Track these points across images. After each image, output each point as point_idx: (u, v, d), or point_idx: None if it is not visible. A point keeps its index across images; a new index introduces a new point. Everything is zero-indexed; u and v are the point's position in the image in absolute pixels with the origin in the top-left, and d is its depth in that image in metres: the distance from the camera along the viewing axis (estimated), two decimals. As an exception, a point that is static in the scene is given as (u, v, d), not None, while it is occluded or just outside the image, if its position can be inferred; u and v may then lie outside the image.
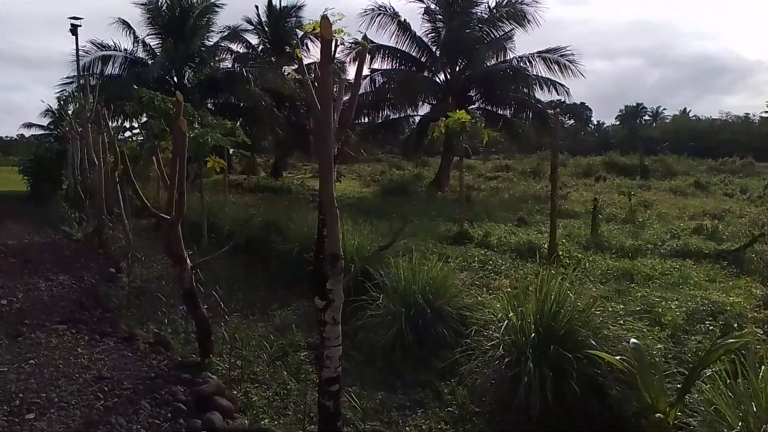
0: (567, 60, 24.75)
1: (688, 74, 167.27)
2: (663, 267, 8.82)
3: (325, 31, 3.34)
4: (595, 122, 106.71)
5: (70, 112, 22.65)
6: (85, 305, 7.57)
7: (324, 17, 3.38)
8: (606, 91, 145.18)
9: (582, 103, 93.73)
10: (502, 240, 10.97)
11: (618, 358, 3.91)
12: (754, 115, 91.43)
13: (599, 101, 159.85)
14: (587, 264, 8.96)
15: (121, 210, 8.72)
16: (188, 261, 5.09)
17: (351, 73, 29.68)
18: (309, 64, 35.05)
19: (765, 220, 13.38)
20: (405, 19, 26.05)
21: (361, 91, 27.64)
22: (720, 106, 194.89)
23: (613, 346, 4.67)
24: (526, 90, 25.48)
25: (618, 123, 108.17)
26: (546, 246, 10.07)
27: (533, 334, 4.58)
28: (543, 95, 26.87)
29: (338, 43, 3.48)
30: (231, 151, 10.11)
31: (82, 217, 14.08)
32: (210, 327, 5.49)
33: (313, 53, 34.10)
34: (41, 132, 44.45)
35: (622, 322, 5.15)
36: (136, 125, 25.03)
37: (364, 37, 4.27)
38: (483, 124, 11.93)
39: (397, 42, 26.14)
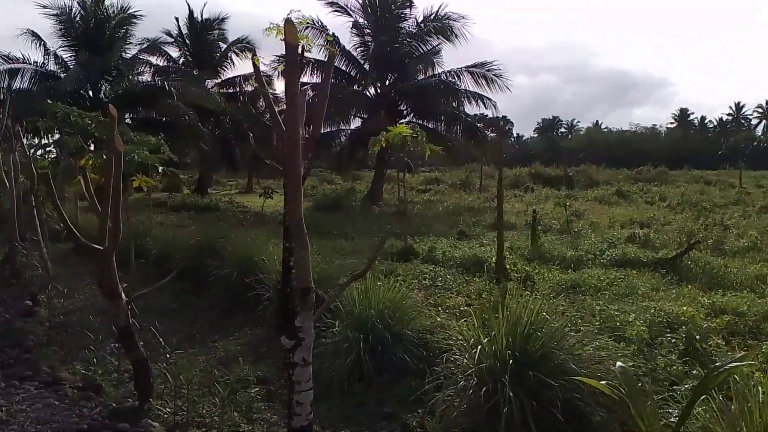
0: (494, 74, 25.24)
1: (600, 89, 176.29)
2: (608, 277, 8.87)
3: (290, 35, 2.96)
4: (515, 135, 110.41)
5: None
6: (-1, 345, 6.75)
7: (288, 20, 3.00)
8: (525, 106, 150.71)
9: (504, 117, 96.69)
10: (447, 254, 10.78)
11: (604, 383, 3.69)
12: (660, 126, 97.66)
13: (518, 115, 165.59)
14: (535, 277, 8.89)
15: (38, 236, 7.87)
16: (123, 295, 4.52)
17: (279, 87, 29.07)
18: (234, 77, 34.43)
19: (690, 227, 13.90)
20: (333, 33, 25.76)
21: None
22: (630, 119, 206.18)
23: (587, 367, 4.49)
24: (455, 104, 25.75)
25: (536, 135, 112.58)
26: (492, 260, 9.98)
27: (510, 360, 4.31)
28: (470, 109, 27.26)
29: (305, 49, 3.11)
30: (161, 169, 9.43)
31: (-11, 244, 12.81)
32: (149, 368, 4.90)
33: (237, 67, 33.36)
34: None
35: (589, 339, 4.99)
36: (46, 142, 23.52)
37: (331, 41, 3.91)
38: (424, 138, 11.77)
39: (325, 56, 25.78)
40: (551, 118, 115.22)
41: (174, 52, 33.12)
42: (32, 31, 25.36)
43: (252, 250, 8.70)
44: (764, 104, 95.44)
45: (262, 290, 7.76)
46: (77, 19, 25.92)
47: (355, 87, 26.40)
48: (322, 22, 25.59)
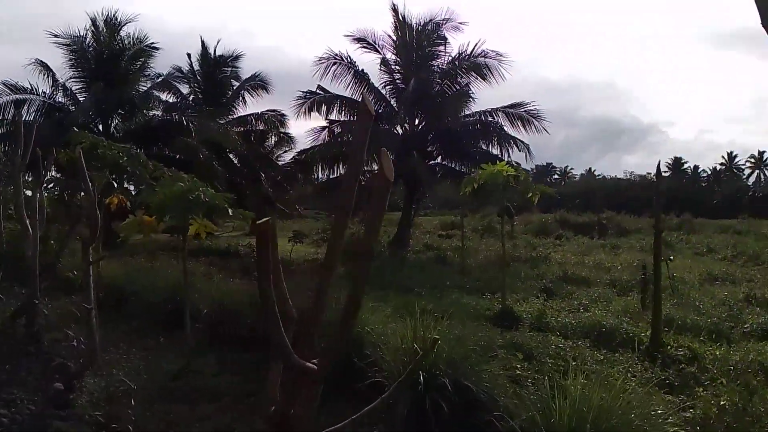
0: (530, 115, 23.80)
1: (591, 135, 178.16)
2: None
3: None
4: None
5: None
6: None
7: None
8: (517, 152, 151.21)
9: (517, 163, 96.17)
10: (560, 321, 8.94)
11: None
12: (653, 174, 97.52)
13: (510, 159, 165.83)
14: (707, 356, 7.08)
15: (90, 297, 5.94)
16: None
17: (296, 127, 27.21)
18: (246, 115, 32.90)
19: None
20: (362, 69, 24.40)
21: (318, 142, 25.35)
22: (621, 165, 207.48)
23: None
24: (494, 146, 24.12)
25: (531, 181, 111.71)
26: (621, 327, 8.24)
27: None
28: (497, 150, 25.57)
29: None
30: (230, 211, 7.66)
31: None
32: None
33: (249, 105, 31.91)
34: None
35: None
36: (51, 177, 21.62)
37: None
38: (531, 178, 10.11)
39: (353, 93, 24.26)
40: (545, 164, 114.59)
41: (184, 89, 31.64)
42: (41, 61, 23.82)
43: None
44: (756, 154, 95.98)
45: (372, 372, 5.99)
46: (90, 49, 24.39)
47: (384, 126, 24.74)
48: (351, 58, 24.27)
